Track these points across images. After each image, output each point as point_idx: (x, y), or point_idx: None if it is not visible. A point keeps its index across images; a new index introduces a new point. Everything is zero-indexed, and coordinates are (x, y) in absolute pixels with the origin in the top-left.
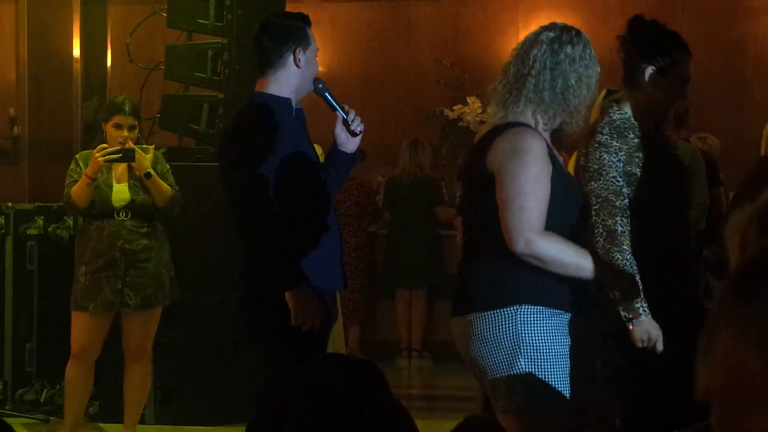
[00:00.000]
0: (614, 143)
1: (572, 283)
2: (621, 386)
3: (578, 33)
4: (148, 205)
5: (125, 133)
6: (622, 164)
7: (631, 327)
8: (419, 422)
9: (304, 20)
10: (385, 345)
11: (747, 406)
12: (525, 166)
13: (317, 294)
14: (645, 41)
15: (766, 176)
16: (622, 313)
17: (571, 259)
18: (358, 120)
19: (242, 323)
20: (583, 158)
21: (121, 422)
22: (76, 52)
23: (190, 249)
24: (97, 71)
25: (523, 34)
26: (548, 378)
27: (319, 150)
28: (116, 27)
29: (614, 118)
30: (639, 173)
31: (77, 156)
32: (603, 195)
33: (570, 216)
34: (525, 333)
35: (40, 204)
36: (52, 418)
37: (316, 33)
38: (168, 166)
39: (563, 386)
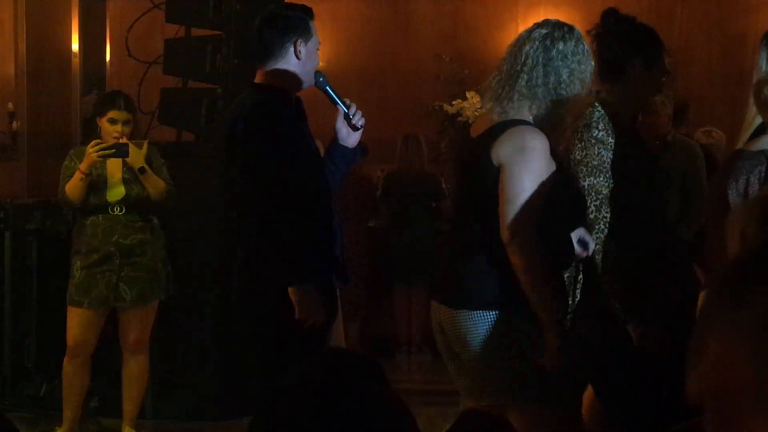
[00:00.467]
0: (609, 139)
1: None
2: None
3: (571, 29)
4: (142, 199)
5: (120, 127)
6: (611, 160)
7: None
8: (419, 417)
9: (306, 12)
10: (384, 340)
11: (740, 409)
12: (528, 164)
13: (323, 289)
14: (630, 35)
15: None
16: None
17: (537, 280)
18: (359, 114)
19: (240, 318)
20: (579, 152)
21: (121, 417)
22: (75, 46)
23: (189, 244)
24: (96, 66)
25: (522, 30)
26: (552, 375)
27: (320, 145)
28: (115, 21)
29: (604, 112)
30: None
31: (72, 152)
32: (604, 192)
33: (571, 212)
34: (531, 331)
35: (38, 199)
36: (51, 412)
37: (316, 27)
38: (162, 160)
39: (564, 379)
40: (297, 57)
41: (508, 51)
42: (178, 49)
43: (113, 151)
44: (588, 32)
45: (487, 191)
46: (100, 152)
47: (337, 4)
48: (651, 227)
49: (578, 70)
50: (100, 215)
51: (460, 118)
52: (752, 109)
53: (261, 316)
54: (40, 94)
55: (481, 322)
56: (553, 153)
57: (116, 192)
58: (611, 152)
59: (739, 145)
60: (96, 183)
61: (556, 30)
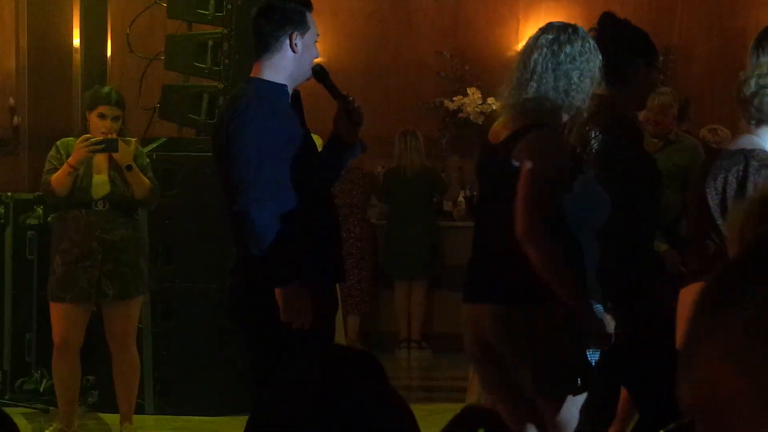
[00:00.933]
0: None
1: (580, 275)
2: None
3: (575, 29)
4: (126, 196)
5: (109, 123)
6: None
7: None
8: (418, 413)
9: (304, 4)
10: (384, 336)
11: (731, 420)
12: (545, 166)
13: (308, 291)
14: (630, 38)
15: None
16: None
17: (556, 266)
18: (359, 109)
19: (236, 315)
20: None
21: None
22: (76, 42)
23: (189, 239)
24: (97, 61)
25: (523, 26)
26: (590, 367)
27: (318, 141)
28: (116, 17)
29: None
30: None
31: (58, 143)
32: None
33: (592, 212)
34: (561, 325)
35: (39, 194)
36: (51, 408)
37: (316, 23)
38: (148, 160)
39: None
40: (293, 50)
41: (517, 59)
42: (179, 45)
43: (103, 146)
44: (596, 36)
45: (512, 195)
46: (91, 146)
47: (339, 0)
48: (652, 229)
49: (587, 68)
50: (84, 209)
51: (460, 114)
52: None
53: (256, 314)
54: (41, 89)
55: (511, 317)
56: (572, 153)
57: (102, 188)
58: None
59: None
60: (81, 177)
61: (561, 34)
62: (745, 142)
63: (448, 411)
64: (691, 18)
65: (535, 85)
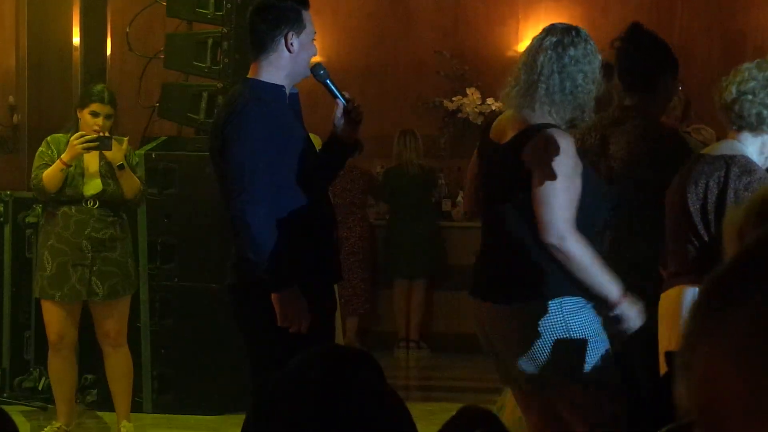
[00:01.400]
0: None
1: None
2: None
3: (578, 31)
4: (117, 195)
5: (101, 121)
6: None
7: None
8: (416, 413)
9: (300, 2)
10: (383, 336)
11: (730, 423)
12: (559, 165)
13: (306, 293)
14: (659, 50)
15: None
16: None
17: (594, 269)
18: (359, 108)
19: (234, 313)
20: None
21: None
22: (76, 40)
23: (187, 238)
24: (97, 60)
25: (523, 26)
26: (596, 360)
27: (317, 141)
28: (116, 16)
29: None
30: None
31: (48, 139)
32: None
33: (600, 211)
34: (573, 321)
35: None
36: (49, 406)
37: (316, 23)
38: (138, 160)
39: (608, 366)
40: (289, 49)
41: (522, 60)
42: (178, 43)
43: (97, 143)
44: (611, 43)
45: (518, 194)
46: (85, 144)
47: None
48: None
49: (590, 70)
50: (73, 207)
51: (460, 114)
52: None
53: (255, 313)
54: (41, 87)
55: (530, 313)
56: (580, 152)
57: (93, 185)
58: None
59: None
60: (72, 174)
61: (565, 36)
62: (727, 147)
63: (446, 411)
64: (692, 18)
65: (544, 86)
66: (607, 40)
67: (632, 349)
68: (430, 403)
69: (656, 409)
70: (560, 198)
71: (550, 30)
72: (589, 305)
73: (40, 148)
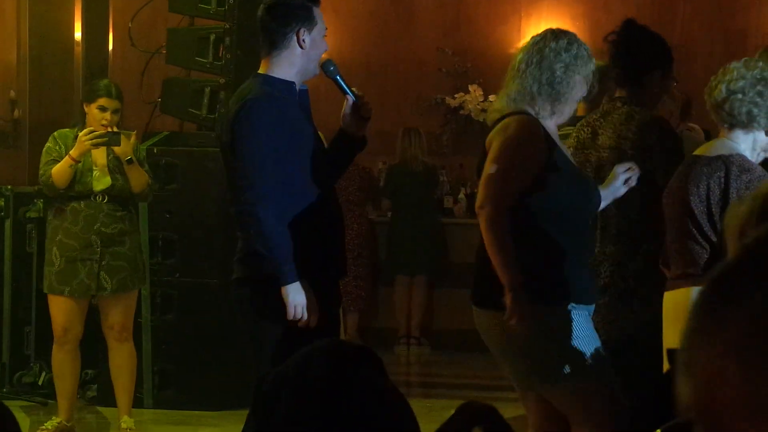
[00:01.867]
0: None
1: (591, 277)
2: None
3: (565, 32)
4: (125, 190)
5: (109, 116)
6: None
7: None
8: (417, 409)
9: None
10: (383, 332)
11: (730, 422)
12: (508, 147)
13: (313, 288)
14: (651, 46)
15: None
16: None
17: (505, 254)
18: (368, 104)
19: (237, 308)
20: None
21: None
22: (78, 35)
23: (189, 233)
24: (99, 55)
25: (525, 24)
26: (597, 366)
27: (322, 138)
28: (118, 11)
29: None
30: None
31: (55, 134)
32: None
33: (590, 206)
34: (575, 328)
35: (39, 187)
36: (50, 401)
37: None
38: (144, 154)
39: (607, 371)
40: (301, 46)
41: (510, 64)
42: (180, 39)
43: (106, 139)
44: (606, 37)
45: None
46: (94, 140)
47: None
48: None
49: (574, 64)
50: (83, 202)
51: (462, 111)
52: None
53: (260, 307)
54: (42, 82)
55: (499, 319)
56: (549, 146)
57: (103, 181)
58: None
59: None
60: (80, 170)
61: (549, 33)
62: (721, 147)
63: (447, 407)
64: (693, 17)
65: (520, 78)
66: None
67: (632, 348)
68: (430, 399)
69: (658, 406)
70: (500, 175)
71: (538, 34)
72: (578, 308)
73: (48, 144)
